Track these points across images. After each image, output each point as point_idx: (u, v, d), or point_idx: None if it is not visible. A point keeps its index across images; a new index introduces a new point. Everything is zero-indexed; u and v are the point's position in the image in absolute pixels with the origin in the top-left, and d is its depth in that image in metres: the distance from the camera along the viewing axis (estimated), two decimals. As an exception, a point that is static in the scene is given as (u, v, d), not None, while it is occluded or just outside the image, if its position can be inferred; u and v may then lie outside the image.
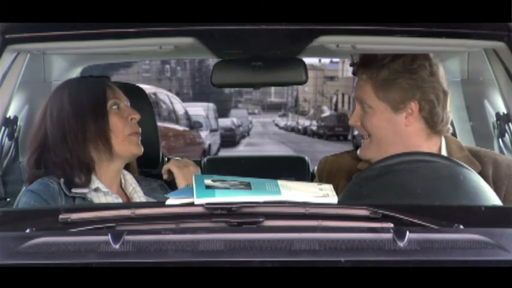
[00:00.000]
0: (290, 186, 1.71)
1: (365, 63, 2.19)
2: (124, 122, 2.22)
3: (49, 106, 2.22)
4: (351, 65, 2.26)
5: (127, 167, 2.33)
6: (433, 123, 2.15)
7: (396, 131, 2.16)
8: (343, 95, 58.48)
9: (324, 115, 46.98)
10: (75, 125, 2.17)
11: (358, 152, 2.25)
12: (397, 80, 2.13)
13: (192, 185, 1.69)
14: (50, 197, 2.11)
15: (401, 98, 2.13)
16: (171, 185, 2.32)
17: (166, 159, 3.52)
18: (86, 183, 2.16)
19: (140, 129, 2.27)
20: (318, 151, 22.77)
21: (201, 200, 1.61)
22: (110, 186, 2.22)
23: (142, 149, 2.26)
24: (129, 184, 2.30)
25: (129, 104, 2.29)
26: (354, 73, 2.24)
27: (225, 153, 21.73)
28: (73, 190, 2.14)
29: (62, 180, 2.14)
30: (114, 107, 2.23)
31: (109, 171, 2.24)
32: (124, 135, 2.21)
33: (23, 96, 2.96)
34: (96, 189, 2.17)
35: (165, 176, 2.27)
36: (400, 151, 2.04)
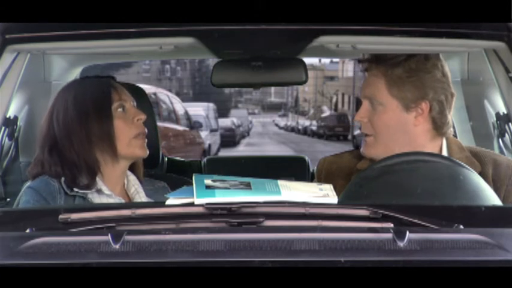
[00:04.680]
0: (290, 186, 1.71)
1: (378, 60, 2.17)
2: (129, 124, 2.22)
3: (55, 108, 2.22)
4: (359, 62, 2.24)
5: (132, 167, 2.32)
6: (440, 123, 2.14)
7: (404, 130, 2.15)
8: (343, 95, 58.45)
9: (324, 115, 46.98)
10: (79, 128, 2.17)
11: (361, 149, 2.23)
12: (411, 78, 2.12)
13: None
14: (50, 195, 2.12)
15: (414, 97, 2.12)
16: (174, 188, 2.31)
17: (166, 159, 3.53)
18: (90, 185, 2.16)
19: (146, 129, 2.26)
20: (318, 151, 22.76)
21: (201, 200, 1.61)
22: (114, 187, 2.23)
23: (148, 152, 2.26)
24: (132, 185, 2.30)
25: (135, 103, 2.28)
26: (364, 70, 2.22)
27: (225, 153, 21.72)
28: (75, 189, 2.14)
29: (62, 179, 2.15)
30: (119, 109, 2.22)
31: (114, 173, 2.24)
32: (129, 138, 2.21)
33: (23, 96, 2.96)
34: (99, 191, 2.18)
35: None
36: (405, 150, 2.04)
